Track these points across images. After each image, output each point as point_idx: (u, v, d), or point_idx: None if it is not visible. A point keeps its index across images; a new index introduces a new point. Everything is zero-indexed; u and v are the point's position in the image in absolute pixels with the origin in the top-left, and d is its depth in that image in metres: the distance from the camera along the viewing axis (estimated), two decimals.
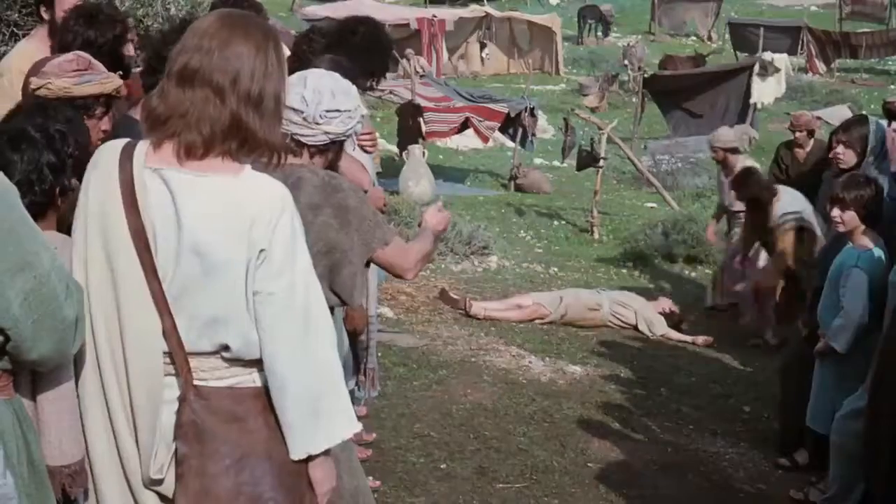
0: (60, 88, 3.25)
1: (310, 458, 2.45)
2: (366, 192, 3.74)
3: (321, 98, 3.13)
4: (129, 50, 5.02)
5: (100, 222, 2.38)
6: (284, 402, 2.39)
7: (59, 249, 2.40)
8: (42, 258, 2.20)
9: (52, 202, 2.64)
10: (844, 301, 5.01)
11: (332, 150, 3.26)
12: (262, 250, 2.33)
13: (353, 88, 3.30)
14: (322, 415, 2.42)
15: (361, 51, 4.76)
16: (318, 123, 3.14)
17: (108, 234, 2.37)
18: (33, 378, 2.35)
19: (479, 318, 8.24)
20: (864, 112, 20.00)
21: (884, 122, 5.88)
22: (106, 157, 2.43)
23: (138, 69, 5.05)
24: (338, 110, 3.17)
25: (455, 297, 8.51)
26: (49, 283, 2.20)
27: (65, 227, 2.57)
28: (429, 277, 9.49)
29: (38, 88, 3.26)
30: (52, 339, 2.22)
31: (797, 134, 9.95)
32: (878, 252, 5.05)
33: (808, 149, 9.69)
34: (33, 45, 5.08)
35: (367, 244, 3.15)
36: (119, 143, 2.45)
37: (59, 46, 4.44)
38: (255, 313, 2.35)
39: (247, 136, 2.37)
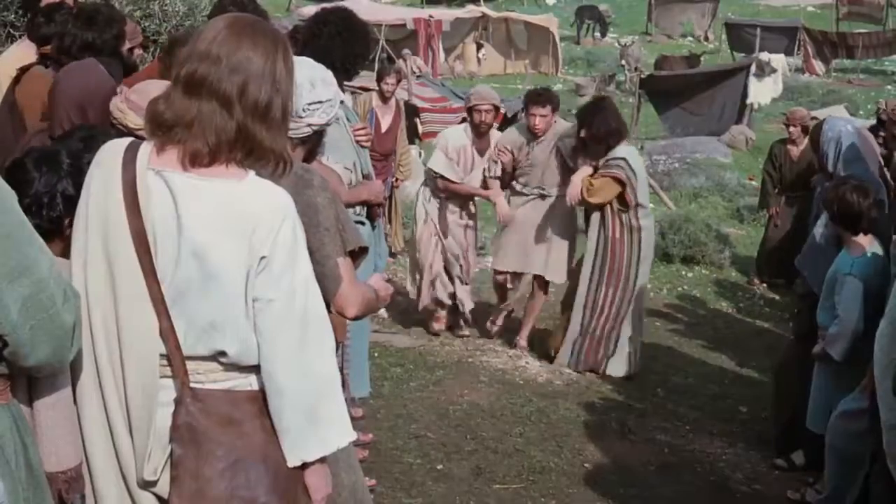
0: (136, 126, 3.09)
1: (305, 465, 2.45)
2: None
3: (301, 91, 3.08)
4: (131, 50, 5.04)
5: (101, 221, 2.37)
6: (281, 409, 2.39)
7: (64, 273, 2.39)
8: (40, 264, 2.20)
9: (59, 231, 2.63)
10: (839, 309, 5.01)
11: (312, 141, 3.25)
12: (262, 257, 2.32)
13: (330, 74, 3.28)
14: (319, 422, 2.42)
15: (335, 37, 4.76)
16: (301, 117, 3.11)
17: (108, 233, 2.36)
18: (30, 384, 2.34)
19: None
20: (861, 112, 20.14)
21: (843, 126, 5.84)
22: (109, 156, 2.41)
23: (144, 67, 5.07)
24: (319, 101, 3.15)
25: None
26: (47, 288, 2.19)
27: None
28: None
29: (118, 117, 3.13)
30: (49, 345, 2.21)
31: (791, 129, 9.92)
32: (874, 254, 5.05)
33: (801, 147, 9.64)
34: (23, 50, 5.09)
35: (333, 245, 3.04)
36: (123, 143, 2.43)
37: (58, 49, 4.44)
38: (255, 320, 2.35)
39: (253, 146, 2.35)
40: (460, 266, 7.78)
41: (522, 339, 7.67)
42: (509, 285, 7.92)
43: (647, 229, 7.12)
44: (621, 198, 6.99)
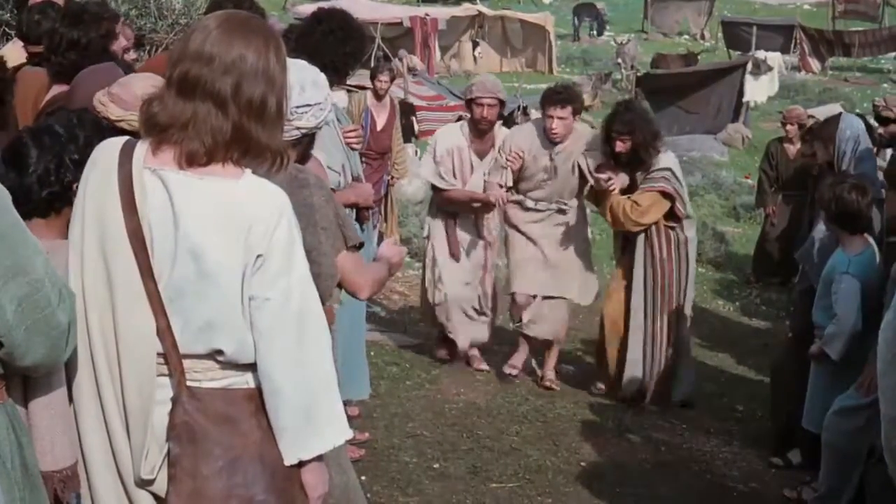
0: (117, 117, 3.05)
1: (302, 463, 2.45)
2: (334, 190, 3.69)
3: (290, 93, 3.07)
4: (126, 52, 5.01)
5: (97, 221, 2.36)
6: (278, 407, 2.38)
7: (58, 253, 2.38)
8: (35, 263, 2.19)
9: (69, 198, 2.60)
10: (837, 308, 4.99)
11: (303, 143, 3.24)
12: (258, 256, 2.31)
13: (322, 77, 3.26)
14: (315, 421, 2.41)
15: (328, 35, 4.75)
16: (289, 120, 3.10)
17: (105, 232, 2.35)
18: (25, 383, 2.34)
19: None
20: (857, 110, 20.16)
21: (859, 124, 5.82)
22: (105, 154, 2.41)
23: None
24: (308, 105, 3.14)
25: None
26: (43, 289, 2.19)
27: None
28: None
29: (100, 110, 3.09)
30: (45, 346, 2.21)
31: (788, 127, 9.95)
32: (871, 253, 5.04)
33: (798, 145, 9.68)
34: (18, 49, 5.07)
35: (332, 244, 3.07)
36: (119, 141, 2.43)
37: (47, 48, 4.42)
38: (251, 318, 2.34)
39: (249, 144, 2.35)
40: (478, 297, 6.87)
41: (550, 372, 6.80)
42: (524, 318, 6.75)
43: (692, 240, 6.49)
44: (669, 212, 6.28)
